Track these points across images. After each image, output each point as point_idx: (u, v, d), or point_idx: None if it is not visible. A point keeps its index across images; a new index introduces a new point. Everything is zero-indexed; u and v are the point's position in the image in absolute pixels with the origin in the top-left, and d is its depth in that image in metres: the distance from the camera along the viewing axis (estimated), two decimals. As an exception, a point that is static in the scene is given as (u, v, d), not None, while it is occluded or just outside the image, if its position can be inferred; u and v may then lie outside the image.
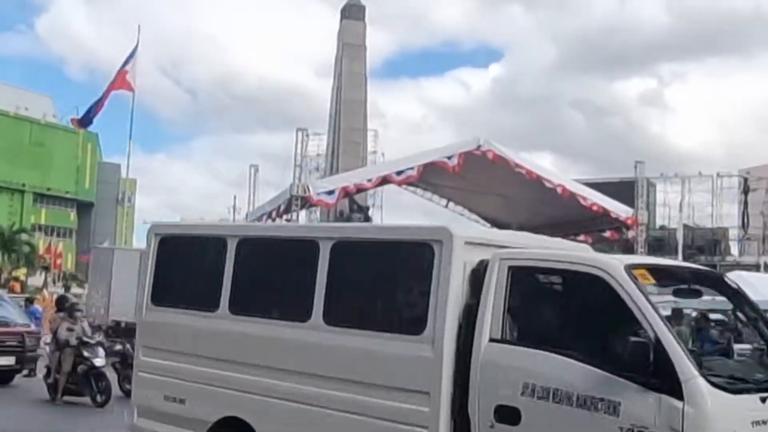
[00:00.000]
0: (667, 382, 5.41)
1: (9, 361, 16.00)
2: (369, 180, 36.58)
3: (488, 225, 51.70)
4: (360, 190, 39.16)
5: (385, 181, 38.00)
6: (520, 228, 51.61)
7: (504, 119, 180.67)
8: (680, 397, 5.37)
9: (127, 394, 14.41)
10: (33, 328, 17.54)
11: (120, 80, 36.30)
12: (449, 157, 35.62)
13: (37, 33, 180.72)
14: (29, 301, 25.29)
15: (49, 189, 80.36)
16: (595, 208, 37.60)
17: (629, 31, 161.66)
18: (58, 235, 79.52)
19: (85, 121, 39.57)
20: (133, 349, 13.35)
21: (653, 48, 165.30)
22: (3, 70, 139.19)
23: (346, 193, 36.27)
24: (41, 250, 63.47)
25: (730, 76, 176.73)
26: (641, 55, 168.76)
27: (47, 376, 14.97)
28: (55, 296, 33.09)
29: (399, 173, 36.21)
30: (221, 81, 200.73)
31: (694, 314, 17.90)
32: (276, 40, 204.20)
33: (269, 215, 39.99)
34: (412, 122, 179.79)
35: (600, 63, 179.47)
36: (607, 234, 40.96)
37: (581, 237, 43.80)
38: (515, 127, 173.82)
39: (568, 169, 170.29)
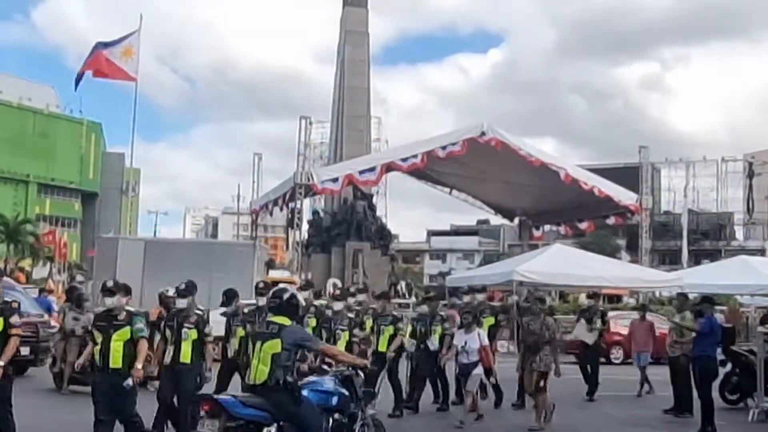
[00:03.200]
0: None
1: (24, 351, 15.84)
2: (373, 169, 36.54)
3: (492, 211, 51.81)
4: (366, 184, 39.22)
5: (390, 168, 38.05)
6: (524, 214, 52.17)
7: (505, 104, 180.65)
8: None
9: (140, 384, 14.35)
10: (46, 318, 17.48)
11: (115, 68, 35.72)
12: (453, 144, 35.58)
13: (34, 22, 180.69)
14: (42, 291, 25.24)
15: (53, 179, 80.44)
16: (599, 193, 37.54)
17: (631, 14, 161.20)
18: (62, 225, 79.53)
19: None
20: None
21: (655, 31, 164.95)
22: (1, 60, 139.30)
23: (350, 181, 36.28)
24: (43, 236, 63.50)
25: (735, 60, 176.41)
26: (643, 38, 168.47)
27: (53, 365, 15.00)
28: (60, 286, 33.21)
29: (404, 160, 36.22)
30: (219, 69, 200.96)
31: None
32: (273, 27, 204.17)
33: (274, 203, 40.06)
34: (411, 108, 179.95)
35: (601, 47, 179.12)
36: (612, 220, 40.96)
37: (585, 223, 43.90)
38: (516, 113, 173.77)
39: (571, 154, 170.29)
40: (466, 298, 15.31)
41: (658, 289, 34.77)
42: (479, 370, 12.28)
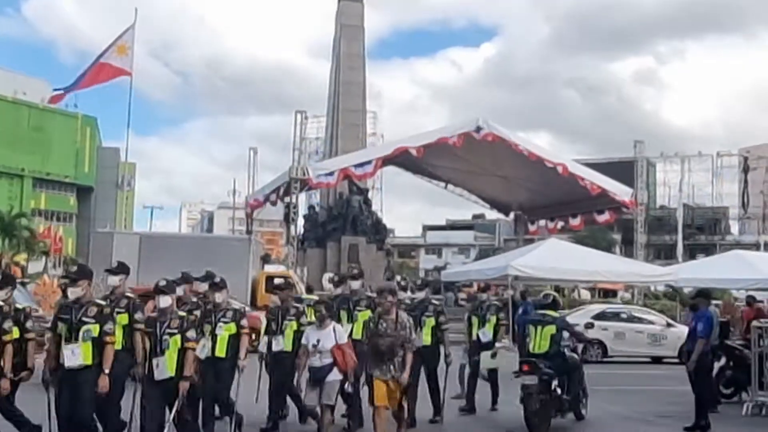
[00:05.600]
0: None
1: None
2: (369, 163, 36.67)
3: (488, 206, 51.86)
4: (363, 178, 39.29)
5: (386, 162, 38.12)
6: (520, 208, 52.16)
7: (498, 99, 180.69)
8: None
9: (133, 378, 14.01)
10: (41, 312, 17.40)
11: (108, 69, 35.83)
12: (449, 137, 35.65)
13: (25, 16, 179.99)
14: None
15: (48, 174, 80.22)
16: (594, 188, 37.58)
17: (625, 8, 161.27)
18: (58, 219, 79.46)
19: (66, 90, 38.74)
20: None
21: (650, 25, 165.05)
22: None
23: (346, 175, 36.31)
24: (40, 232, 63.47)
25: (730, 54, 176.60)
26: (638, 32, 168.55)
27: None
28: (56, 281, 33.08)
29: (399, 153, 36.32)
30: (213, 63, 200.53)
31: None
32: (267, 21, 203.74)
33: (267, 198, 40.09)
34: (405, 103, 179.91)
35: (596, 41, 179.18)
36: (606, 215, 40.92)
37: (577, 220, 43.96)
38: (510, 107, 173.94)
39: (566, 149, 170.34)
40: (338, 291, 12.19)
41: (653, 284, 34.97)
42: (336, 376, 9.75)
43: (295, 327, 10.71)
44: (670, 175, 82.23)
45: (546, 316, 11.72)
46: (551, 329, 11.46)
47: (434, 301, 12.40)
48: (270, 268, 31.91)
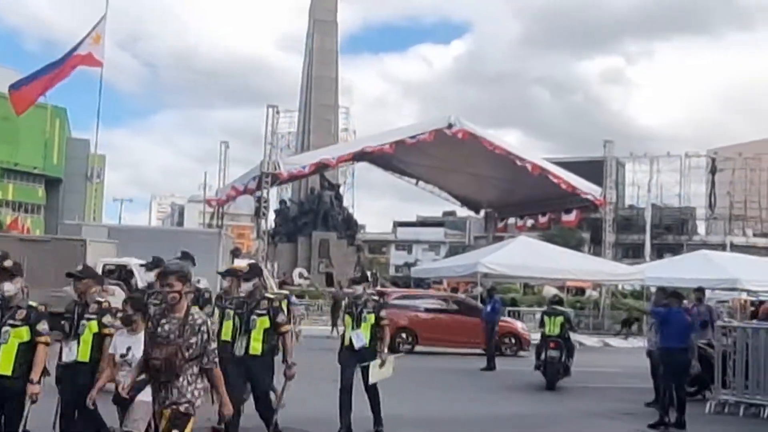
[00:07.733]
0: None
1: None
2: (341, 156, 36.85)
3: (459, 203, 52.02)
4: (336, 165, 39.36)
5: (357, 155, 38.22)
6: (491, 206, 52.11)
7: (469, 96, 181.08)
8: None
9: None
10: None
11: (77, 59, 35.37)
12: (421, 134, 35.76)
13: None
14: None
15: (16, 164, 79.29)
16: (564, 187, 37.82)
17: (595, 7, 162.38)
18: (26, 210, 78.60)
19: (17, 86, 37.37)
20: None
21: (619, 25, 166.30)
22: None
23: (317, 167, 36.40)
24: (7, 224, 62.75)
25: (698, 55, 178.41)
26: (607, 32, 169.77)
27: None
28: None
29: (371, 149, 36.41)
30: (182, 55, 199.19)
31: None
32: (238, 13, 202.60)
33: (237, 192, 40.01)
34: (375, 98, 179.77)
35: (566, 39, 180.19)
36: (573, 215, 41.13)
37: (545, 218, 44.21)
38: (480, 104, 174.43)
39: (536, 147, 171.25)
40: (149, 277, 9.50)
41: (620, 282, 35.31)
42: (147, 396, 6.42)
43: (95, 329, 7.76)
44: (638, 175, 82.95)
45: (556, 309, 16.70)
46: (561, 319, 16.17)
47: (268, 295, 9.37)
48: (240, 263, 31.78)
